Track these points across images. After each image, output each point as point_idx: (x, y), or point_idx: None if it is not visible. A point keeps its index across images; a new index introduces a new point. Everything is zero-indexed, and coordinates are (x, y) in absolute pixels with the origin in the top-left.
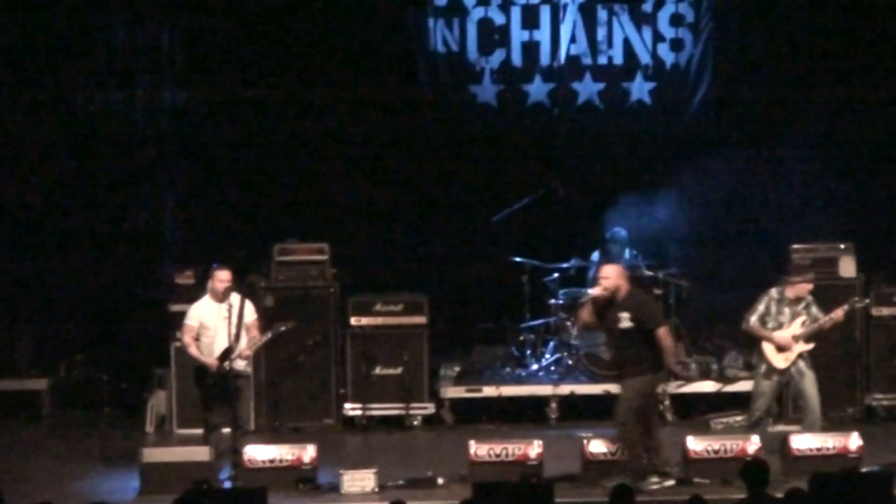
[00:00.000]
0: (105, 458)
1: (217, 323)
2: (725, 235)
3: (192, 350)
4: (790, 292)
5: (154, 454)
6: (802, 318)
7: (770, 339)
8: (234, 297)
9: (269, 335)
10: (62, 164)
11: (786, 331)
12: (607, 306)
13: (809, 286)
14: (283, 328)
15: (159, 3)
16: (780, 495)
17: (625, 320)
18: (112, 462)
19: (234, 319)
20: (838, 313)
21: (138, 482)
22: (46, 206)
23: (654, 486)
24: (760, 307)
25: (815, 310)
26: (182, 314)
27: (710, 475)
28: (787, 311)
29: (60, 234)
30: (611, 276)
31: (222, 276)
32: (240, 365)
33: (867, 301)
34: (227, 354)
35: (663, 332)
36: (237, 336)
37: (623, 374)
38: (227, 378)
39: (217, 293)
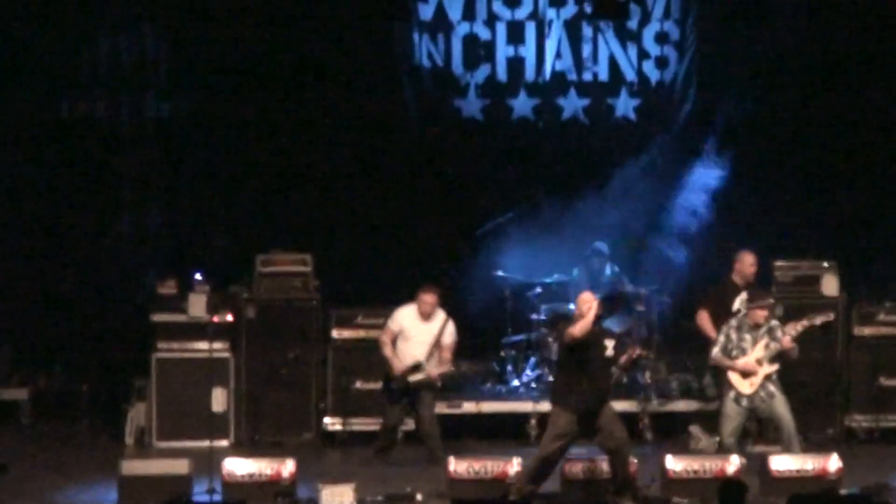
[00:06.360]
0: (84, 470)
1: (416, 334)
2: (707, 252)
3: (387, 350)
4: (749, 318)
5: (133, 466)
6: (764, 341)
7: (734, 368)
8: (440, 316)
9: None
10: (46, 173)
11: (749, 356)
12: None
13: (764, 313)
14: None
15: (145, 13)
16: None
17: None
18: (91, 473)
19: (432, 339)
20: (790, 332)
21: (116, 494)
22: (29, 214)
23: None
24: (721, 338)
25: (779, 333)
26: (164, 324)
27: (689, 495)
28: (748, 337)
29: (43, 242)
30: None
31: (428, 300)
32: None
33: (830, 316)
34: (414, 369)
35: None
36: (430, 354)
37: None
38: (407, 389)
39: (423, 313)
